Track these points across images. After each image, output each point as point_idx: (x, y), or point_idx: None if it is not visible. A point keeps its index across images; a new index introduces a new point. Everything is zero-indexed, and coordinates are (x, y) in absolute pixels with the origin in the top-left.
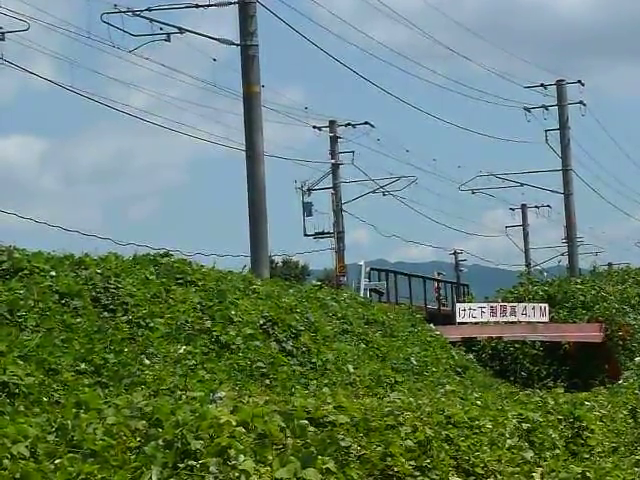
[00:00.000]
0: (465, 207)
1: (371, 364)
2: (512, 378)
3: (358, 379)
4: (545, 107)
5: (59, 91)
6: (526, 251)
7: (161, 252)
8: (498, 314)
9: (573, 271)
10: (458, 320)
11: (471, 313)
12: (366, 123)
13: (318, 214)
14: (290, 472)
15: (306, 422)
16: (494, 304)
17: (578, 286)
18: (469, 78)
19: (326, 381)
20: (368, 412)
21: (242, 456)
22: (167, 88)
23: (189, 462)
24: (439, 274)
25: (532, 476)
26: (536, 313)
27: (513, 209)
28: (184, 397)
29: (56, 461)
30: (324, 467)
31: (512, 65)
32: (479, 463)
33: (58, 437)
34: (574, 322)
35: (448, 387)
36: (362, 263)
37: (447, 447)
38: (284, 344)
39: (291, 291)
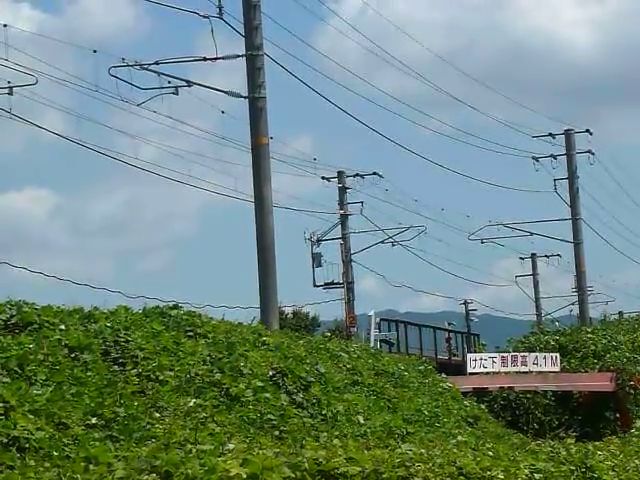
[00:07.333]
0: (475, 257)
1: (382, 415)
2: (524, 428)
3: (369, 430)
4: (554, 156)
5: (68, 144)
6: (537, 300)
7: (170, 305)
8: (509, 364)
9: (584, 320)
10: (469, 370)
11: (482, 363)
12: (374, 173)
13: (327, 264)
14: None
15: (314, 472)
16: (505, 354)
17: (589, 335)
18: (477, 128)
19: (337, 433)
20: (379, 463)
21: None
22: (175, 140)
23: None
24: (449, 324)
25: None
26: (547, 363)
27: (523, 258)
28: (194, 450)
29: None
30: None
31: (520, 114)
32: None
33: None
34: (585, 371)
35: (460, 438)
36: (372, 313)
37: None
38: (294, 396)
39: (301, 342)
